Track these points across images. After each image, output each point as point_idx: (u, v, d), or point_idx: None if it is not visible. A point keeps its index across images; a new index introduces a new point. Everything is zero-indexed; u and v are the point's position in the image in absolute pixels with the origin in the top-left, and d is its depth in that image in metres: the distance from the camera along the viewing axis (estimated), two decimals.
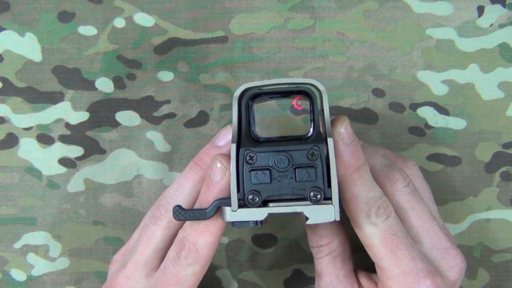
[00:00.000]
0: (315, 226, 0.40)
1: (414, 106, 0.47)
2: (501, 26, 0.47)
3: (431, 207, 0.41)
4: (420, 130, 0.47)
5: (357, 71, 0.47)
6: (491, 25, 0.47)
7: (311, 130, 0.36)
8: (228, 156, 0.36)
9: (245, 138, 0.35)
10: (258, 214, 0.34)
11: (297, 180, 0.34)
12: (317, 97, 0.36)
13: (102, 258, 0.48)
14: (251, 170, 0.35)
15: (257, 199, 0.34)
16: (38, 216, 0.47)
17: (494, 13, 0.47)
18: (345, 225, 0.40)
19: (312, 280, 0.48)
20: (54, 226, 0.47)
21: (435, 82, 0.47)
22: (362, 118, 0.47)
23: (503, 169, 0.48)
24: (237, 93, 0.35)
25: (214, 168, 0.36)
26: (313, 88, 0.36)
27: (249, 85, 0.35)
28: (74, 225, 0.48)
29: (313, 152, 0.34)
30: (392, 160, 0.41)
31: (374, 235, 0.37)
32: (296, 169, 0.34)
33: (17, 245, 0.48)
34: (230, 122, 0.47)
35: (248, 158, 0.35)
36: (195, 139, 0.47)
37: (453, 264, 0.39)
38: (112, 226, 0.48)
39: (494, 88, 0.47)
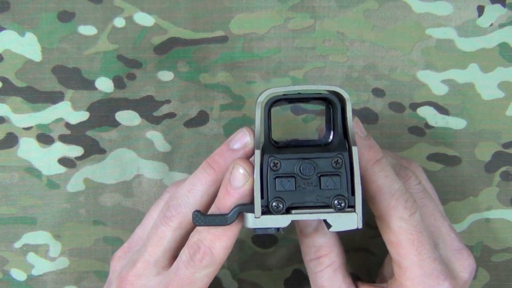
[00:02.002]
0: (314, 234, 0.39)
1: (414, 106, 0.47)
2: (501, 26, 0.47)
3: (439, 207, 0.41)
4: (420, 130, 0.47)
5: (357, 70, 0.47)
6: (491, 25, 0.47)
7: (331, 137, 0.37)
8: (248, 161, 0.36)
9: (268, 144, 0.35)
10: (281, 221, 0.34)
11: (321, 188, 0.34)
12: (338, 104, 0.36)
13: (102, 258, 0.48)
14: (276, 177, 0.34)
15: (281, 206, 0.34)
16: (38, 215, 0.47)
17: (494, 12, 0.47)
18: (340, 238, 0.40)
19: None
20: (54, 226, 0.47)
21: (435, 82, 0.47)
22: (362, 118, 0.47)
23: (503, 168, 0.48)
24: (261, 98, 0.35)
25: (235, 173, 0.35)
26: (334, 95, 0.36)
27: (273, 91, 0.35)
28: (74, 224, 0.48)
29: (338, 160, 0.34)
30: None
31: (401, 230, 0.36)
32: (321, 177, 0.34)
33: (17, 244, 0.48)
34: (230, 121, 0.47)
35: (272, 165, 0.34)
36: (195, 139, 0.47)
37: (466, 265, 0.39)
38: (112, 226, 0.48)
39: (494, 88, 0.47)
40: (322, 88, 0.36)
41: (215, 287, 0.48)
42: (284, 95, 0.36)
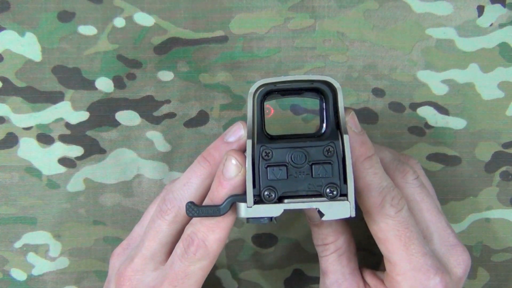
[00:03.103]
0: (320, 224, 0.40)
1: (414, 106, 0.47)
2: (501, 25, 0.47)
3: (436, 203, 0.42)
4: (420, 130, 0.47)
5: (357, 70, 0.47)
6: (491, 24, 0.47)
7: (324, 127, 0.37)
8: (241, 152, 0.36)
9: (260, 134, 0.35)
10: (274, 210, 0.34)
11: (313, 176, 0.34)
12: (330, 94, 0.36)
13: (102, 258, 0.48)
14: (268, 166, 0.34)
15: (273, 195, 0.34)
16: (38, 215, 0.47)
17: (494, 12, 0.47)
18: (350, 223, 0.41)
19: (312, 279, 0.48)
20: (54, 226, 0.48)
21: (435, 82, 0.47)
22: (362, 117, 0.47)
23: (503, 168, 0.48)
24: (253, 89, 0.35)
25: (228, 164, 0.36)
26: (326, 85, 0.36)
27: (264, 81, 0.35)
28: (74, 224, 0.48)
29: (329, 149, 0.34)
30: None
31: (388, 227, 0.37)
32: (313, 166, 0.34)
33: (17, 244, 0.48)
34: (230, 121, 0.47)
35: (264, 154, 0.35)
36: (195, 139, 0.47)
37: (460, 261, 0.39)
38: (112, 226, 0.48)
39: (494, 87, 0.47)
40: (313, 77, 0.36)
41: (215, 287, 0.48)
42: (275, 85, 0.36)
